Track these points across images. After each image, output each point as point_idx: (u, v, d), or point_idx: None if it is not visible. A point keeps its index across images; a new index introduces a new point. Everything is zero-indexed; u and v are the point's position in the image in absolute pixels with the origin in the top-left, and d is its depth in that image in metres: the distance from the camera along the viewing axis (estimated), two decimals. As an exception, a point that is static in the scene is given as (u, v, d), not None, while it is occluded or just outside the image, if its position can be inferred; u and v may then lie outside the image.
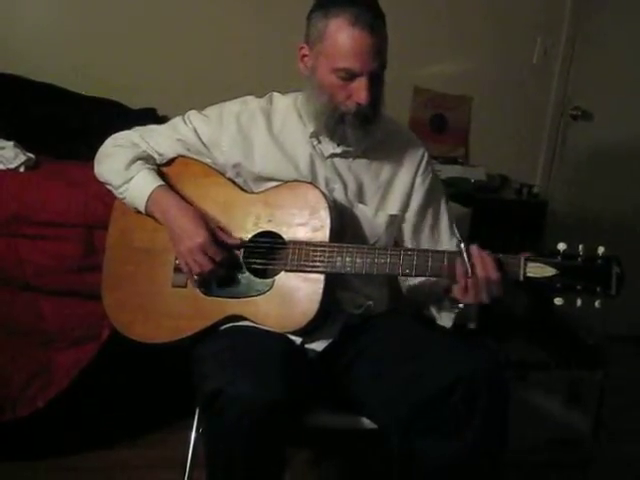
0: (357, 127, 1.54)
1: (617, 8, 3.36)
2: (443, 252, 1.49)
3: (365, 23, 1.46)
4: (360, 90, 1.49)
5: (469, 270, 1.44)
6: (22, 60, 2.50)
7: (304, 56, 1.58)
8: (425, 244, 1.69)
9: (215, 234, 1.58)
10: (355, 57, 1.48)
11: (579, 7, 3.37)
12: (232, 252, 1.59)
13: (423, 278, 1.63)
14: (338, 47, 1.49)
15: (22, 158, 2.10)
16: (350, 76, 1.50)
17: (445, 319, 1.65)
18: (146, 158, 1.66)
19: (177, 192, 1.64)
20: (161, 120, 1.91)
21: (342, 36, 1.48)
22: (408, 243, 1.70)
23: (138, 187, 1.62)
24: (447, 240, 1.71)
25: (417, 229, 1.70)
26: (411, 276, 1.50)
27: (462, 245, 1.46)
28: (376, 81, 1.52)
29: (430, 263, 1.48)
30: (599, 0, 3.35)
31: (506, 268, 1.43)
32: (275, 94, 1.70)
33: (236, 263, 1.59)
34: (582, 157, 3.51)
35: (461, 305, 1.55)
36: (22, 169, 2.09)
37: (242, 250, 1.60)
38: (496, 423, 1.43)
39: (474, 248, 1.45)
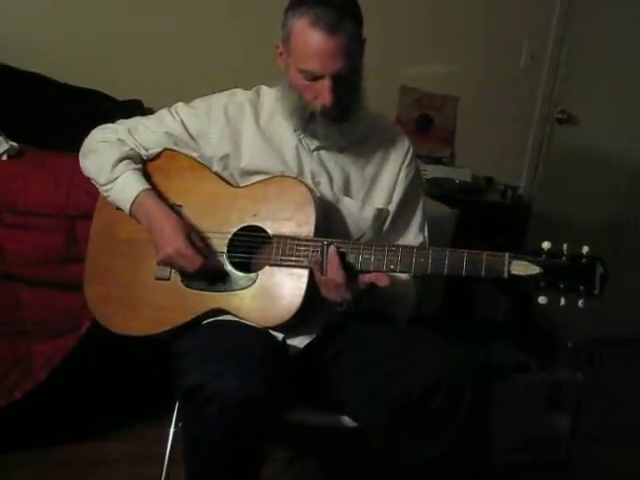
0: (327, 126, 1.55)
1: (605, 14, 3.37)
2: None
3: (325, 24, 1.45)
4: (323, 91, 1.49)
5: (324, 268, 1.47)
6: (7, 48, 2.47)
7: (281, 53, 1.58)
8: (392, 238, 1.68)
9: (194, 243, 1.56)
10: (314, 59, 1.47)
11: (567, 12, 3.38)
12: (212, 257, 1.57)
13: None
14: (300, 48, 1.49)
15: (5, 146, 2.07)
16: (313, 77, 1.49)
17: None
18: (132, 157, 1.64)
19: (163, 186, 1.63)
20: (147, 112, 1.88)
21: (303, 37, 1.47)
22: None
23: (123, 189, 1.60)
24: (412, 238, 1.70)
25: (392, 221, 1.69)
26: (395, 272, 1.49)
27: (325, 243, 1.49)
28: (343, 82, 1.50)
29: (414, 260, 1.46)
30: (587, 5, 3.36)
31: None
32: (263, 87, 1.69)
33: (219, 265, 1.57)
34: (567, 160, 3.52)
35: None
36: (5, 157, 2.07)
37: (226, 244, 1.58)
38: (480, 422, 1.44)
39: (331, 249, 1.48)
